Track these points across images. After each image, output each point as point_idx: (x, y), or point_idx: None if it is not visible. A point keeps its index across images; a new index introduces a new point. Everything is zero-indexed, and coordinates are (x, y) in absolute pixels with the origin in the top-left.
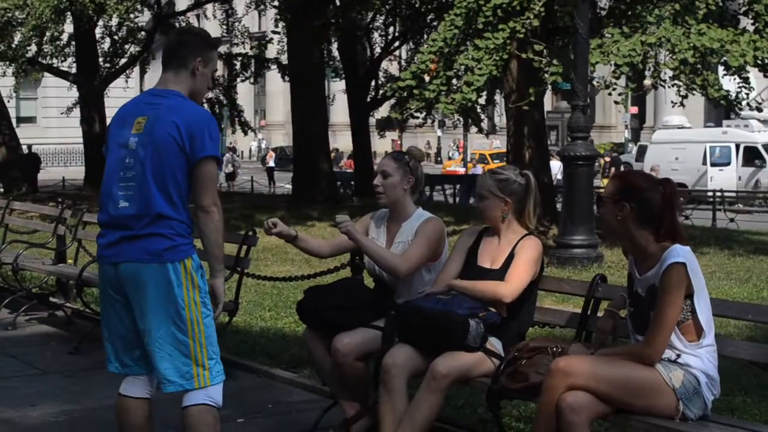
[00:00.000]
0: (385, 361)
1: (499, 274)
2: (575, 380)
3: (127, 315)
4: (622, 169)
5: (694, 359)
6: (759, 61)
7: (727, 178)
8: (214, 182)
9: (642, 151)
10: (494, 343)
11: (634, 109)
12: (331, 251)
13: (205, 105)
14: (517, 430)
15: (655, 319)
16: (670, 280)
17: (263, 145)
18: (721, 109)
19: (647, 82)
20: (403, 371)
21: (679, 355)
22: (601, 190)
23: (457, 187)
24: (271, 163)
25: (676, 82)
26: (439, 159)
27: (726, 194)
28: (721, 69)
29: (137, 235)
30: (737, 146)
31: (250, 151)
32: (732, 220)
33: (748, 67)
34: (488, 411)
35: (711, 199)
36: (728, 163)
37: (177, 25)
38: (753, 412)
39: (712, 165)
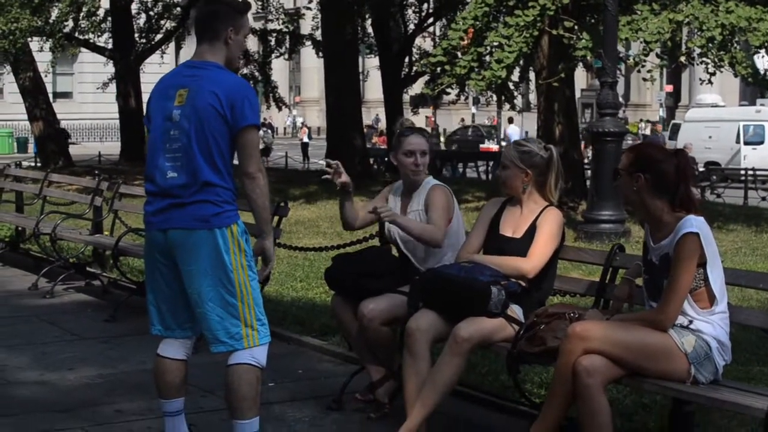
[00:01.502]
0: (409, 325)
1: (521, 243)
2: (591, 344)
3: (173, 279)
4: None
5: (706, 325)
6: None
7: (760, 157)
8: (257, 149)
9: (675, 130)
10: (515, 310)
11: (669, 88)
12: (361, 223)
13: None
14: (538, 396)
15: (668, 287)
16: (684, 249)
17: (298, 122)
18: (756, 89)
19: (681, 59)
20: (426, 335)
21: (691, 321)
22: None
23: (491, 163)
24: (305, 139)
25: (704, 59)
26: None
27: (759, 173)
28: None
29: (185, 202)
30: None
31: (284, 128)
32: (764, 198)
33: None
34: (509, 377)
35: (743, 178)
36: (761, 142)
37: None
38: None
39: (746, 144)
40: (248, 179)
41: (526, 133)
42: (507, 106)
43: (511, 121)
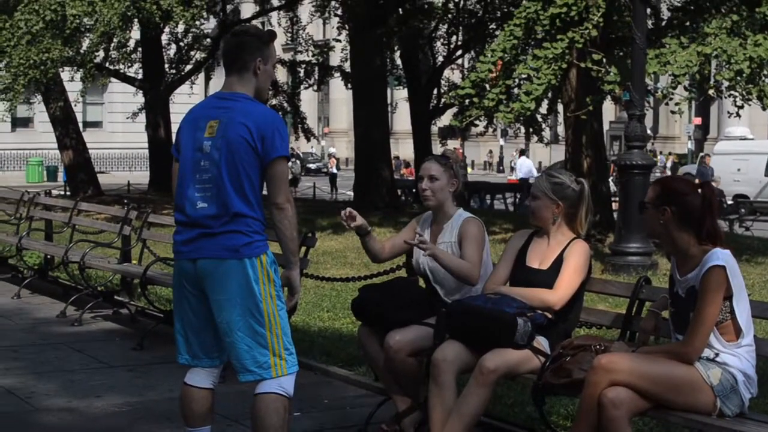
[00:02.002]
0: (435, 356)
1: (547, 275)
2: (617, 376)
3: (201, 308)
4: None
5: (732, 358)
6: None
7: None
8: (286, 181)
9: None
10: (541, 342)
11: (698, 120)
12: (389, 255)
13: None
14: (564, 428)
15: (694, 320)
16: (710, 282)
17: (327, 151)
18: None
19: (709, 92)
20: (452, 366)
21: (717, 354)
22: None
23: (518, 195)
24: (333, 170)
25: (732, 92)
26: (501, 168)
27: None
28: None
29: (216, 232)
30: None
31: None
32: None
33: None
34: (535, 408)
35: None
36: None
37: None
38: None
39: None
40: (277, 210)
41: (540, 164)
42: (535, 138)
43: (522, 153)
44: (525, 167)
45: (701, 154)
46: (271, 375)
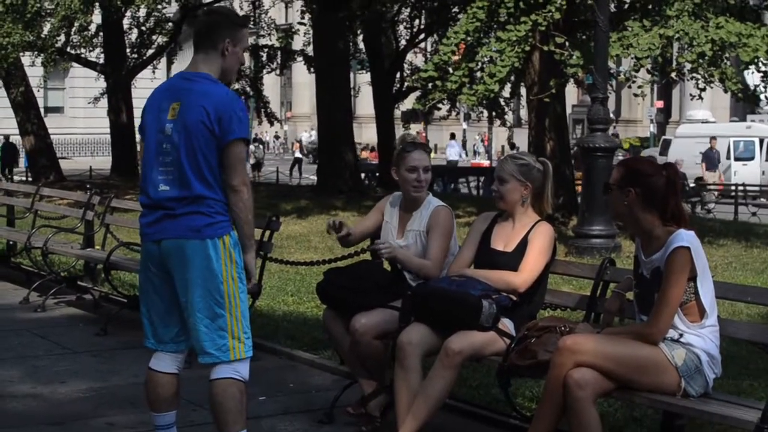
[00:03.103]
0: (401, 339)
1: (512, 257)
2: (582, 357)
3: (166, 291)
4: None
5: (696, 339)
6: None
7: (750, 173)
8: (242, 163)
9: (666, 146)
10: (506, 324)
11: (660, 104)
12: (359, 239)
13: None
14: (529, 409)
15: (659, 300)
16: (675, 263)
17: (292, 137)
18: (747, 105)
19: (672, 75)
20: (417, 349)
21: (681, 335)
22: None
23: (482, 179)
24: (298, 154)
25: (694, 75)
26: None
27: (749, 188)
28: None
29: (177, 214)
30: (761, 141)
31: (269, 143)
32: (754, 214)
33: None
34: (500, 390)
35: (733, 193)
36: (752, 158)
37: None
38: (759, 396)
39: (736, 159)
40: (232, 192)
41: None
42: (498, 121)
43: (452, 137)
44: (454, 150)
45: (710, 136)
46: (228, 357)
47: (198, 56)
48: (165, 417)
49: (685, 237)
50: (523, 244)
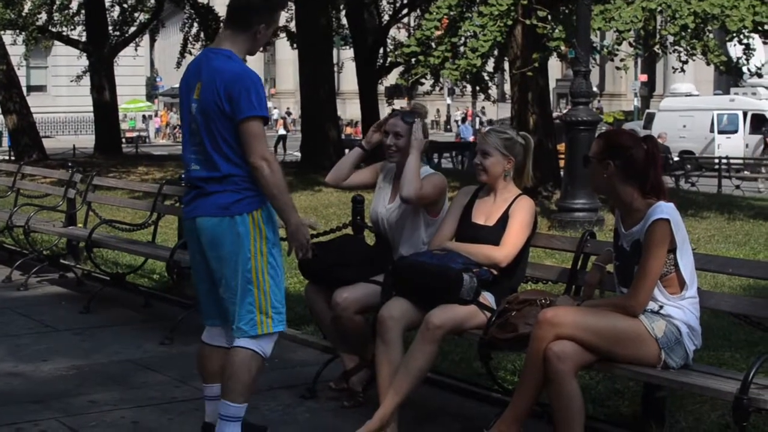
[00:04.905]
0: (382, 313)
1: (493, 231)
2: (562, 330)
3: (204, 267)
4: None
5: (676, 310)
6: (759, 27)
7: (734, 146)
8: (257, 139)
9: (650, 119)
10: (487, 297)
11: (644, 77)
12: (349, 184)
13: None
14: (510, 383)
15: (639, 273)
16: (654, 235)
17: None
18: (730, 78)
19: (654, 48)
20: (399, 323)
21: (661, 307)
22: None
23: (465, 153)
24: (282, 131)
25: (676, 47)
26: (448, 127)
27: (732, 161)
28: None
29: (209, 192)
30: (744, 114)
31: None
32: (738, 186)
33: (753, 34)
34: (481, 364)
35: (717, 167)
36: (735, 131)
37: None
38: (740, 367)
39: (720, 132)
40: (253, 170)
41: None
42: (482, 96)
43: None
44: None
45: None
46: (256, 332)
47: (226, 32)
48: (213, 388)
49: (665, 209)
50: (504, 218)
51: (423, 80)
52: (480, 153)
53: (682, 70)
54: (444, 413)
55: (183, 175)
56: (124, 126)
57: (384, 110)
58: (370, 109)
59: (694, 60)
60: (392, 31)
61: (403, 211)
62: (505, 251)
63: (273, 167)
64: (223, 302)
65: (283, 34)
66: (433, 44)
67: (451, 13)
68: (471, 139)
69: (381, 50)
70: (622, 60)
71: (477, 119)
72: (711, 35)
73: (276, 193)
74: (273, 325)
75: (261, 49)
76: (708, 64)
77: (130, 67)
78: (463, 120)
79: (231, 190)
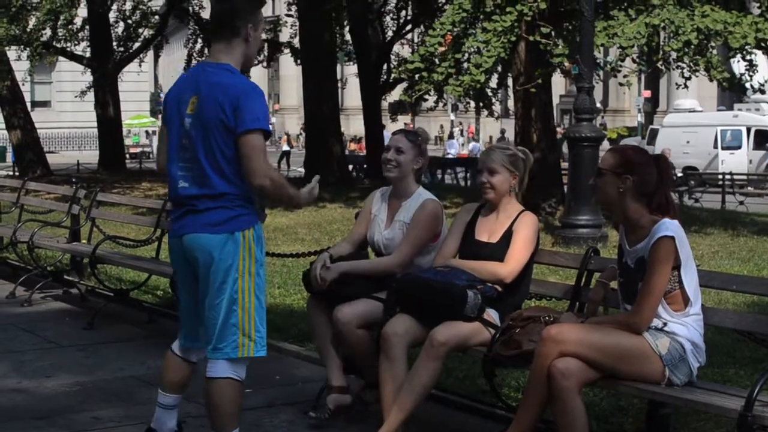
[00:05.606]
0: (386, 330)
1: (497, 248)
2: (566, 347)
3: (192, 287)
4: None
5: (681, 327)
6: (762, 44)
7: (738, 162)
8: (257, 152)
9: (653, 135)
10: (491, 314)
11: (647, 93)
12: (354, 249)
13: None
14: (514, 400)
15: (643, 290)
16: (659, 252)
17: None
18: (734, 94)
19: (658, 63)
20: (403, 340)
21: (665, 324)
22: None
23: (469, 170)
24: (285, 147)
25: (680, 63)
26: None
27: (736, 177)
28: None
29: (200, 209)
30: (748, 130)
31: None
32: (741, 202)
33: (755, 51)
34: (485, 380)
35: (721, 182)
36: (739, 147)
37: (190, 9)
38: (744, 384)
39: (723, 148)
40: (257, 189)
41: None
42: (485, 112)
43: (451, 136)
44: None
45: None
46: (236, 355)
47: (219, 45)
48: (167, 398)
49: (670, 226)
50: (507, 235)
51: (426, 96)
52: (486, 171)
53: (686, 86)
54: (448, 430)
55: (169, 193)
56: (128, 142)
57: (387, 126)
58: (374, 124)
59: (697, 76)
60: (396, 47)
61: (398, 235)
62: (509, 267)
63: (276, 180)
64: (204, 321)
65: (287, 50)
66: (436, 60)
67: (455, 29)
68: (458, 155)
69: (385, 66)
70: (625, 76)
71: (491, 137)
72: (714, 51)
73: (284, 199)
74: (255, 349)
75: (264, 64)
76: (711, 80)
77: (134, 83)
78: (450, 136)
79: (224, 207)
